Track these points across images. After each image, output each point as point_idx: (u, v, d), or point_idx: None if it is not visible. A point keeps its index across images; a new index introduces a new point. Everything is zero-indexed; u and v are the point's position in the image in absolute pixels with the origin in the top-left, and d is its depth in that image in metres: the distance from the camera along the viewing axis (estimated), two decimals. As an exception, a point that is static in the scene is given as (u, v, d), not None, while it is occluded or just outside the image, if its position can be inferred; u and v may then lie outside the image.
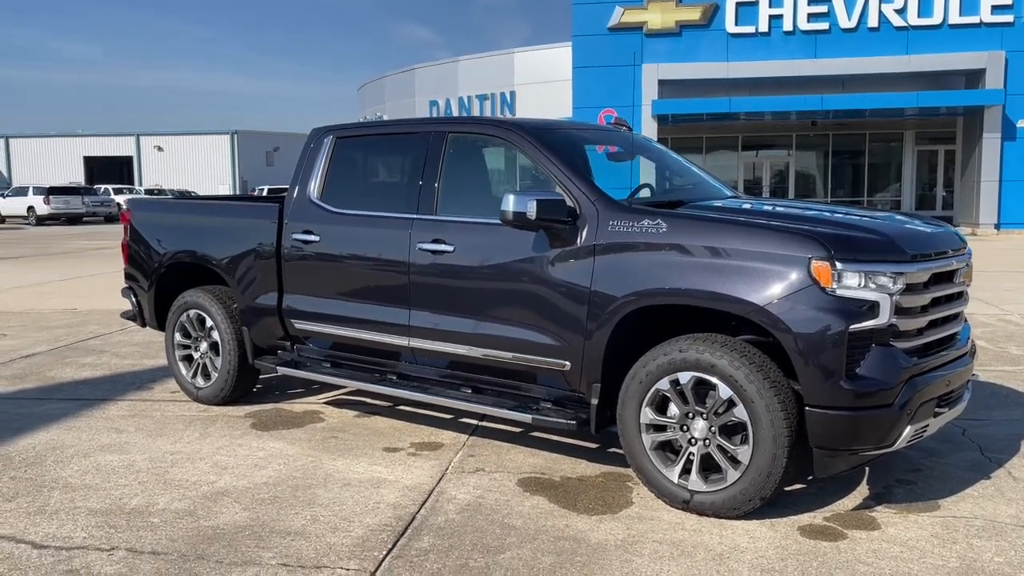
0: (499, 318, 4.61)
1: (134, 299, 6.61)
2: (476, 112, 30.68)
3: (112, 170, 67.52)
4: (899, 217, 4.59)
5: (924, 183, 33.03)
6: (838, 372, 3.64)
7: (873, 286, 3.70)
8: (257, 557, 3.63)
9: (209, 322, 6.01)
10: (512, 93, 29.66)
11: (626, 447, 4.23)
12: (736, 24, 25.12)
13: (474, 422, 5.56)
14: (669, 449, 4.13)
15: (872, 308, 3.68)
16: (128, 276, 6.63)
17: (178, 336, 6.24)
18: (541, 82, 27.78)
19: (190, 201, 7.26)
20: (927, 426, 3.91)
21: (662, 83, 25.03)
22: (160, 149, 70.40)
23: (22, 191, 43.07)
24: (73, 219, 41.49)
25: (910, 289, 3.79)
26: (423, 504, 4.21)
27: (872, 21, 24.67)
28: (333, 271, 5.33)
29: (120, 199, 46.04)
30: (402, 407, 5.96)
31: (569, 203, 4.37)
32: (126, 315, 6.81)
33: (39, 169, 67.30)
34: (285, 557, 3.62)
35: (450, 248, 4.75)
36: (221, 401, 6.06)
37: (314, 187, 5.48)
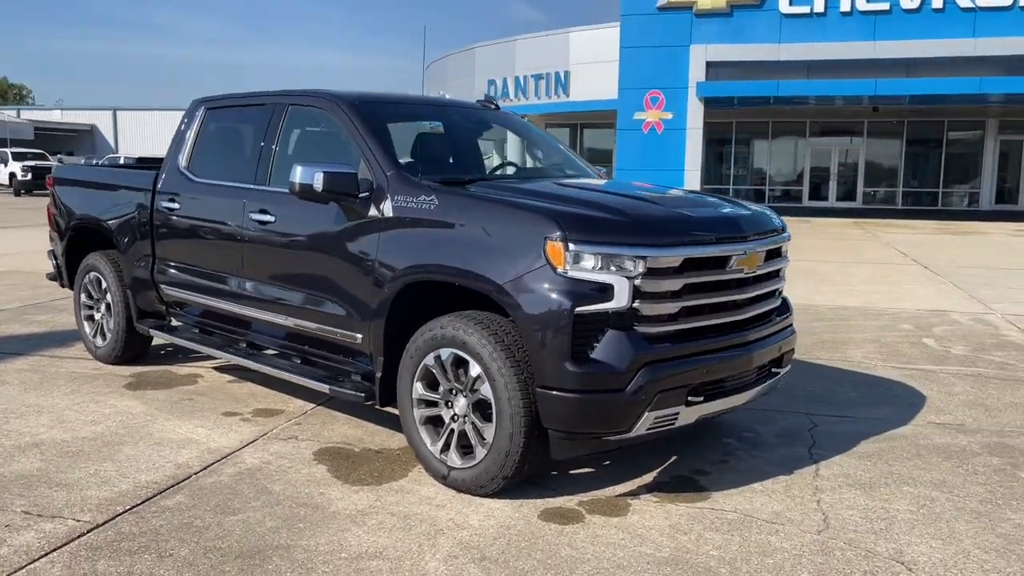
0: (305, 289, 4.70)
1: (54, 261, 6.96)
2: (531, 91, 30.60)
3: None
4: (692, 198, 4.46)
5: (1005, 175, 31.31)
6: (564, 354, 3.58)
7: (610, 268, 3.62)
8: (10, 504, 3.84)
9: (104, 284, 6.29)
10: (567, 73, 29.42)
11: (402, 420, 4.27)
12: (790, 4, 24.21)
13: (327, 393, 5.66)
14: (439, 424, 4.14)
15: (606, 291, 3.60)
16: (50, 239, 6.99)
17: (83, 297, 6.56)
18: (595, 62, 27.46)
19: (95, 168, 7.58)
20: (675, 415, 3.79)
21: (710, 65, 24.40)
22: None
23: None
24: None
25: (654, 273, 3.68)
26: (208, 466, 4.35)
27: (936, 2, 23.40)
28: (190, 239, 5.53)
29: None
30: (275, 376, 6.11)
31: (367, 176, 4.40)
32: (50, 276, 7.18)
33: (144, 141, 70.27)
34: (34, 506, 3.81)
35: (272, 219, 4.85)
36: (115, 360, 6.34)
37: (183, 156, 5.67)
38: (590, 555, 3.42)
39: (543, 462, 3.93)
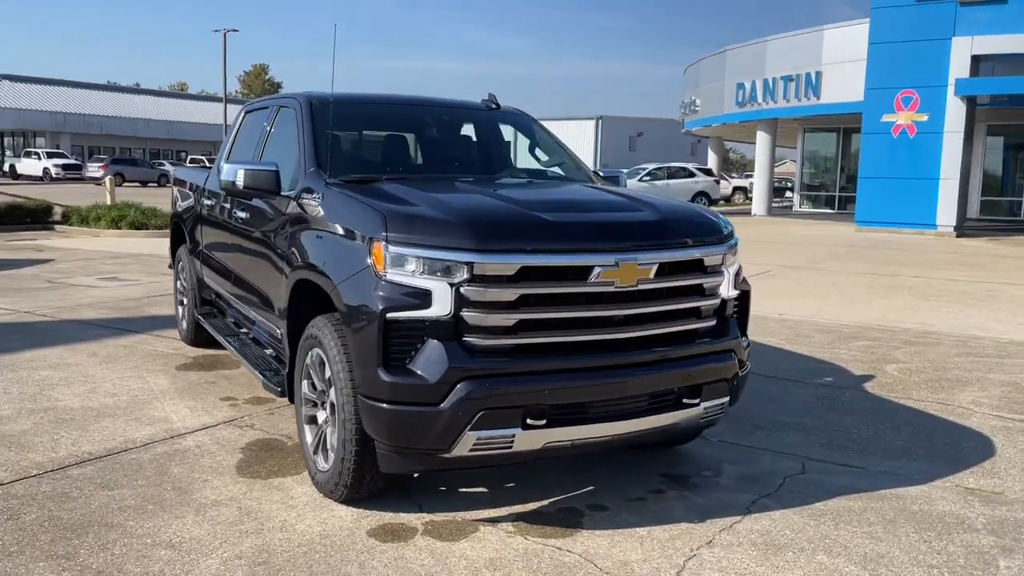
0: (255, 283, 4.88)
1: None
2: (780, 94, 28.77)
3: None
4: (590, 202, 4.01)
5: None
6: (376, 362, 3.38)
7: (433, 273, 3.36)
8: (-38, 457, 4.39)
9: (185, 273, 6.96)
10: (818, 74, 27.23)
11: (296, 417, 4.28)
12: (1088, -15, 20.49)
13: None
14: (316, 424, 4.09)
15: (424, 297, 3.35)
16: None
17: (177, 283, 7.29)
18: (850, 61, 25.15)
19: (187, 169, 8.36)
20: (510, 438, 3.41)
21: (976, 59, 21.34)
22: (532, 132, 75.56)
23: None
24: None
25: (482, 281, 3.35)
26: (148, 444, 4.64)
27: None
28: (210, 232, 5.97)
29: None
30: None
31: (293, 175, 4.47)
32: (170, 265, 8.05)
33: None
34: (-24, 460, 4.33)
35: (245, 215, 5.08)
36: (190, 342, 6.99)
37: (222, 156, 6.14)
38: (332, 564, 3.21)
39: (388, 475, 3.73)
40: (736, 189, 47.76)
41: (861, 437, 5.06)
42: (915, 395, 6.02)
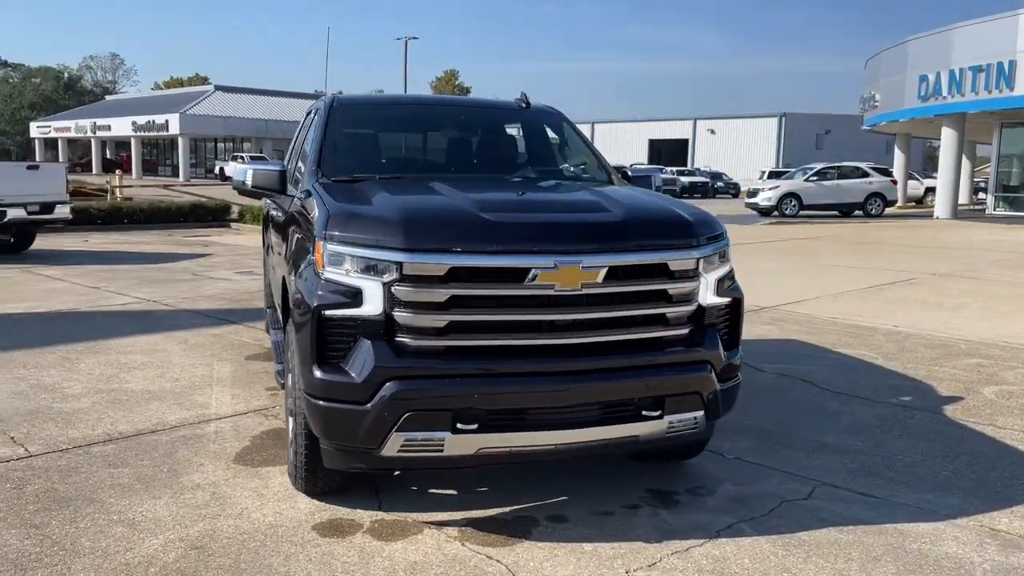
0: (274, 278, 5.09)
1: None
2: (967, 86, 26.29)
3: (672, 151, 73.10)
4: (546, 202, 3.83)
5: None
6: (310, 358, 3.44)
7: (367, 272, 3.37)
8: (10, 428, 4.86)
9: (264, 269, 7.36)
10: (1011, 63, 24.65)
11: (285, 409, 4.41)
12: None
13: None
14: (301, 417, 4.21)
15: (357, 295, 3.36)
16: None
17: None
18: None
19: None
20: (439, 441, 3.34)
21: None
22: (712, 132, 73.76)
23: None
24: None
25: (412, 281, 3.32)
26: (174, 427, 4.96)
27: None
28: (269, 232, 6.27)
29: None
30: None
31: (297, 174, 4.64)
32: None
33: (613, 150, 75.82)
34: (18, 433, 4.77)
35: (276, 214, 5.32)
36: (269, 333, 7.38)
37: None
38: (286, 572, 3.26)
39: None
40: (928, 190, 44.25)
41: (903, 464, 4.56)
42: (999, 422, 5.35)
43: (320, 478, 3.81)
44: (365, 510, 3.83)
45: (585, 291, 3.42)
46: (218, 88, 68.80)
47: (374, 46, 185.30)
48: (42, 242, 14.73)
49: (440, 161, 5.21)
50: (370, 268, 3.36)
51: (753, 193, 29.46)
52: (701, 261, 3.70)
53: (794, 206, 28.37)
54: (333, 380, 3.38)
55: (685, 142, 74.95)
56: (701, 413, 3.70)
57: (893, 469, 4.49)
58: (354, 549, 3.45)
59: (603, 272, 3.43)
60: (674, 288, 3.62)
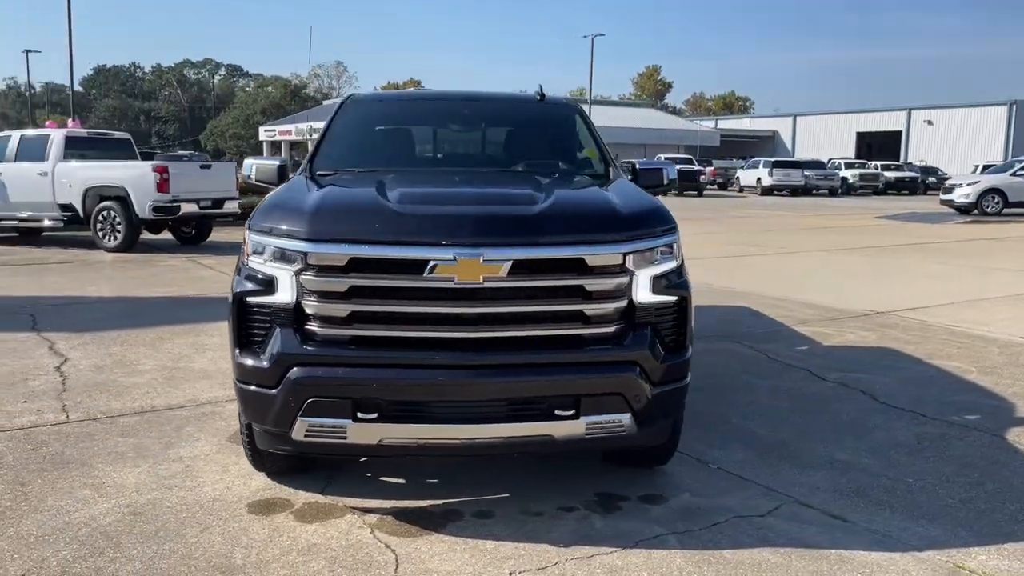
0: None
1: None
2: None
3: (883, 145, 68.51)
4: (473, 194, 3.76)
5: None
6: (233, 342, 3.61)
7: (279, 261, 3.49)
8: (63, 400, 5.45)
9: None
10: None
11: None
12: None
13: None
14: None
15: (271, 284, 3.50)
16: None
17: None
18: None
19: None
20: (342, 429, 3.40)
21: None
22: (930, 123, 68.36)
23: (755, 164, 47.80)
24: (795, 191, 43.89)
25: (317, 270, 3.40)
26: (179, 407, 5.36)
27: None
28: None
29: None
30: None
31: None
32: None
33: (814, 145, 72.21)
34: (67, 403, 5.35)
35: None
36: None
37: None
38: (196, 543, 3.46)
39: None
40: None
41: (906, 488, 4.10)
42: (1068, 447, 4.66)
43: (265, 458, 3.99)
44: (307, 492, 3.97)
45: (488, 285, 3.36)
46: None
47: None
48: (218, 235, 16.14)
49: (431, 155, 5.25)
50: (283, 257, 3.48)
51: (949, 189, 26.95)
52: (630, 256, 3.52)
53: (997, 203, 25.65)
54: (249, 364, 3.54)
55: (897, 135, 69.75)
56: (627, 416, 3.52)
57: (891, 492, 4.04)
58: (269, 528, 3.59)
59: (507, 266, 3.36)
60: (592, 284, 3.47)
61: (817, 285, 10.69)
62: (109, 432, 4.79)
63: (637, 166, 4.97)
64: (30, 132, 16.03)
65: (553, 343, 3.49)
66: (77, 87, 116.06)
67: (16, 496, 3.88)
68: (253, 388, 3.54)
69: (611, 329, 3.53)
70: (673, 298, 3.65)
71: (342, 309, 3.41)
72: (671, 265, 3.68)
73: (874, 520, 3.72)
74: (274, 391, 3.46)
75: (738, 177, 49.14)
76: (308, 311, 3.45)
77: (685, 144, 73.53)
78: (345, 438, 3.46)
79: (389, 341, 3.43)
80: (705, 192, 43.44)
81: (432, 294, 3.39)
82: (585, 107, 47.38)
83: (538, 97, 5.37)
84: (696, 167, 45.56)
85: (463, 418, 3.43)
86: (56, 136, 15.08)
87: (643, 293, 3.56)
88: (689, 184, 42.52)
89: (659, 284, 3.60)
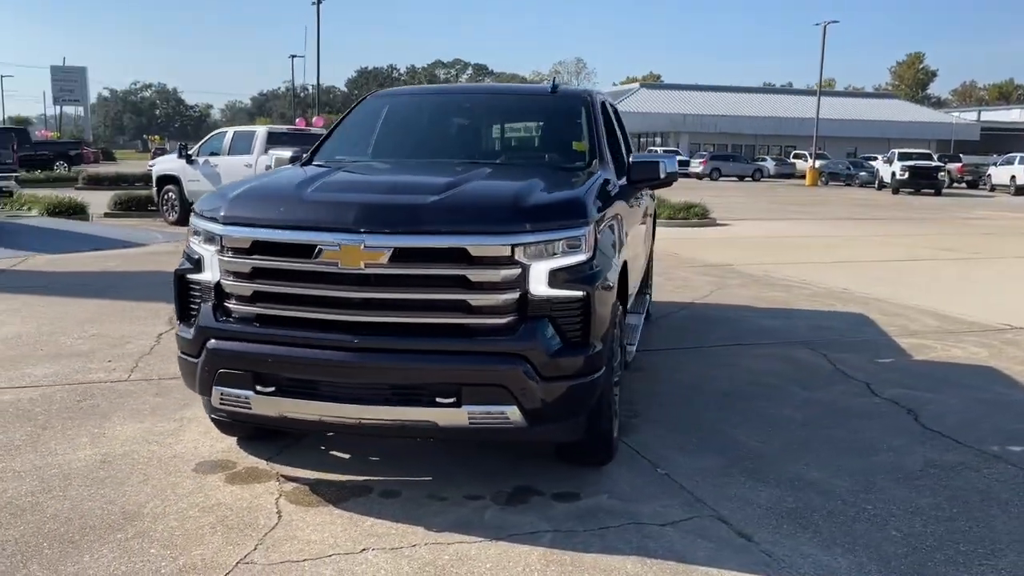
0: None
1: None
2: None
3: None
4: (390, 183, 3.82)
5: None
6: (176, 314, 3.99)
7: (205, 242, 3.82)
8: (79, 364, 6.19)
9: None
10: None
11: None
12: None
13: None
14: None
15: (200, 263, 3.84)
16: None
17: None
18: None
19: None
20: (246, 400, 3.65)
21: None
22: None
23: (1010, 160, 42.93)
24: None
25: (228, 251, 3.69)
26: (242, 374, 5.87)
27: None
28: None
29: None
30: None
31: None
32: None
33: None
34: (99, 362, 6.07)
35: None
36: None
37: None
38: (133, 492, 3.88)
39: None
40: None
41: (856, 516, 3.71)
42: (1107, 492, 3.97)
43: (225, 424, 4.35)
44: (257, 458, 4.29)
45: (369, 271, 3.48)
46: (643, 86, 71.90)
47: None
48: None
49: (424, 148, 5.26)
50: (208, 239, 3.81)
51: None
52: (521, 249, 3.49)
53: None
54: (181, 335, 3.91)
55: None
56: (514, 408, 3.50)
57: (831, 518, 3.68)
58: (196, 485, 3.95)
59: (388, 253, 3.46)
60: (477, 275, 3.47)
61: (975, 297, 9.57)
62: (147, 392, 5.40)
63: (630, 160, 4.82)
64: (242, 128, 17.94)
65: (438, 331, 3.54)
66: (343, 88, 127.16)
67: (30, 437, 4.53)
68: (185, 357, 3.90)
69: (501, 321, 3.51)
70: (577, 293, 3.57)
71: (248, 288, 3.69)
72: (576, 259, 3.59)
73: (780, 544, 3.42)
74: (196, 360, 3.80)
75: (989, 175, 44.47)
76: (225, 289, 3.75)
77: (938, 139, 67.48)
78: (250, 408, 3.73)
79: (285, 320, 3.65)
80: (946, 191, 39.60)
81: (320, 278, 3.56)
82: (811, 99, 44.92)
83: (551, 90, 5.34)
84: (934, 163, 41.72)
85: (351, 398, 3.58)
86: (260, 132, 16.78)
87: (539, 286, 3.51)
88: (925, 182, 39.08)
89: (558, 278, 3.54)
